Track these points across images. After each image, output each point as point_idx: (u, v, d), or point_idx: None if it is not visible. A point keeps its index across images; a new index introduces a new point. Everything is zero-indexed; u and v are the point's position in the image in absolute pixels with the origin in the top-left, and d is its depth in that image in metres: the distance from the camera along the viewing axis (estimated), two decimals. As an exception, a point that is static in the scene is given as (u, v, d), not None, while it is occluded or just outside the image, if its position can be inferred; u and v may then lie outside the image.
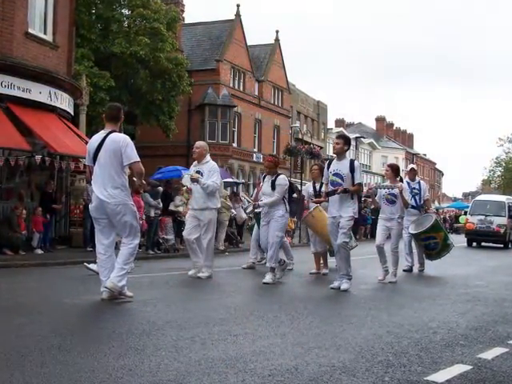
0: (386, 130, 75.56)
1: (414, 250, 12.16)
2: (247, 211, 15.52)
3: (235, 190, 29.72)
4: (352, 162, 8.57)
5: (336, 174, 8.47)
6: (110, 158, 6.73)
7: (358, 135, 60.43)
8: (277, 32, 42.54)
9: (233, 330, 5.40)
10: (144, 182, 7.29)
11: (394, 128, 78.62)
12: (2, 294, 7.85)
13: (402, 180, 10.82)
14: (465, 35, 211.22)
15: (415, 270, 12.03)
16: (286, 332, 5.38)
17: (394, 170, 10.45)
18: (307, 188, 11.40)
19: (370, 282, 9.79)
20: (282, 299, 7.81)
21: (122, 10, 26.17)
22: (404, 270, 11.61)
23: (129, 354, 4.35)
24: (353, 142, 52.09)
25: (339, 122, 67.61)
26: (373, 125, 76.42)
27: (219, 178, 9.78)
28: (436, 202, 69.55)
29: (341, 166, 8.48)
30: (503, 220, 24.48)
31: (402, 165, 57.55)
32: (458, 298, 8.11)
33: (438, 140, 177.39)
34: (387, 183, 10.41)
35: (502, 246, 24.50)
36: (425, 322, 6.12)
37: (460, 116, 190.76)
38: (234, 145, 36.50)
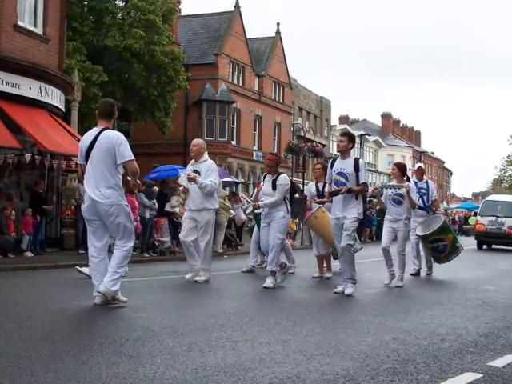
0: (392, 127, 74.15)
1: (422, 253, 12.02)
2: (247, 212, 15.46)
3: (234, 189, 29.65)
4: (357, 160, 8.45)
5: (340, 173, 8.35)
6: (103, 157, 6.63)
7: (362, 132, 59.75)
8: (278, 24, 42.01)
9: (232, 336, 5.34)
10: (139, 181, 7.21)
11: (401, 125, 77.16)
12: (-10, 298, 7.79)
13: (409, 179, 10.69)
14: (466, 31, 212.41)
15: (423, 273, 11.86)
16: (288, 338, 5.31)
17: (401, 168, 10.31)
18: (310, 188, 11.29)
19: (375, 287, 9.70)
20: (284, 304, 7.71)
21: (116, 2, 25.80)
22: (411, 274, 11.47)
23: (123, 362, 4.31)
24: (357, 140, 51.84)
25: (343, 119, 66.47)
26: (378, 121, 75.22)
27: (217, 177, 9.68)
28: (444, 203, 69.36)
29: (345, 165, 8.36)
30: None
31: (409, 163, 57.13)
32: (467, 303, 8.00)
33: (447, 138, 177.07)
34: (393, 183, 10.28)
35: None
36: (433, 329, 6.03)
37: (468, 113, 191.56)
38: (233, 142, 36.16)
